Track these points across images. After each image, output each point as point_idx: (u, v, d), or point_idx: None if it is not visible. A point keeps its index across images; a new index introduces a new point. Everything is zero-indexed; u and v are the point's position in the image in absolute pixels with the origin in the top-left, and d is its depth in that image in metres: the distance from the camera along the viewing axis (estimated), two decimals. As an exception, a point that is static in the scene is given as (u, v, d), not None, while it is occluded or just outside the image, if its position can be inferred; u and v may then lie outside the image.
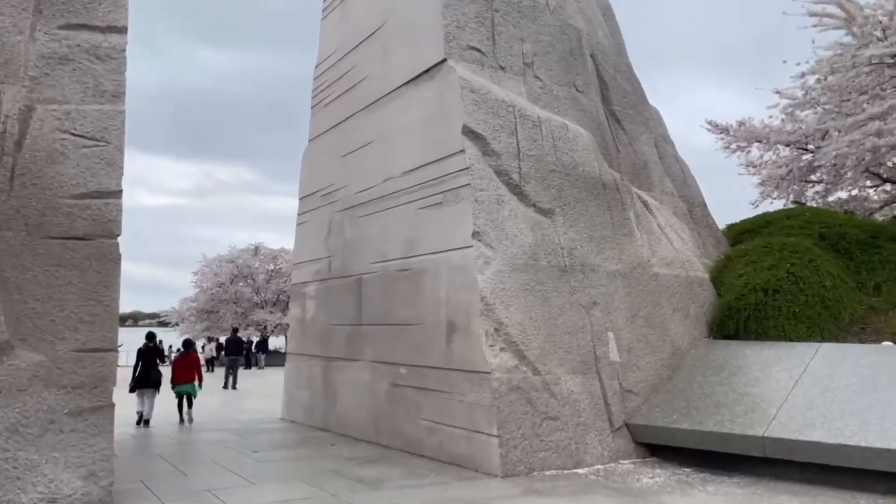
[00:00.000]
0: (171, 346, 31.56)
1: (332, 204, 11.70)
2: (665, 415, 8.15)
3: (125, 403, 15.29)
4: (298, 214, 13.08)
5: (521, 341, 7.98)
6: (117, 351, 5.99)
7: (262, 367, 33.24)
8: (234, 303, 38.95)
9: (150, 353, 12.30)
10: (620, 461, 8.08)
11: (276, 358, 37.50)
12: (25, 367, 5.53)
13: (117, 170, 6.34)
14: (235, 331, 28.11)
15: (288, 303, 41.26)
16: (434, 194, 8.92)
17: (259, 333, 39.48)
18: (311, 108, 13.02)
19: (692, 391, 8.37)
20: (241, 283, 39.34)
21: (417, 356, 8.97)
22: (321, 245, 11.96)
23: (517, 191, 8.69)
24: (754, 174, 18.91)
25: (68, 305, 5.85)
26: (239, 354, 23.95)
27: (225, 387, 21.37)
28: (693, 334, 9.53)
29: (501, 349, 7.87)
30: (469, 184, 8.29)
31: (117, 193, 6.30)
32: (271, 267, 42.00)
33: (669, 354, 9.14)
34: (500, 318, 7.93)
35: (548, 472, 7.52)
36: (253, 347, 34.66)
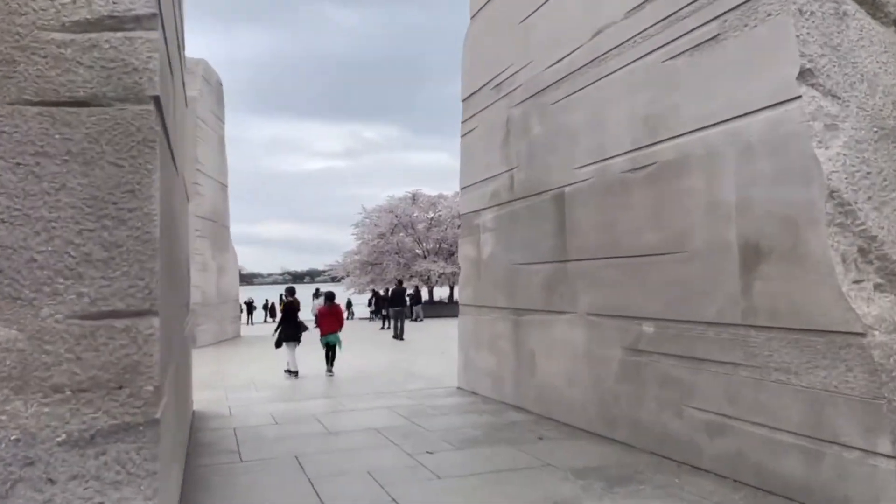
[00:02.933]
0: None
1: (510, 95, 8.29)
2: None
3: (272, 360, 13.32)
4: (462, 123, 9.84)
5: (916, 271, 4.13)
6: (158, 315, 3.07)
7: (421, 320, 31.19)
8: (397, 253, 37.41)
9: (290, 307, 12.46)
10: None
11: (437, 309, 35.60)
12: (-26, 354, 2.77)
13: (145, -24, 3.33)
14: (399, 282, 26.15)
15: (451, 252, 39.45)
16: (698, 26, 5.17)
17: (423, 284, 37.75)
18: (471, -28, 9.59)
19: None
20: (401, 234, 37.65)
21: (676, 305, 5.43)
22: (497, 156, 8.65)
23: (869, -7, 4.68)
24: None
25: (62, 230, 3.00)
26: (403, 305, 23.30)
27: (395, 337, 21.33)
28: None
29: (878, 287, 4.09)
30: (783, -19, 4.44)
31: (148, 19, 3.30)
32: (431, 215, 39.94)
33: None
34: (869, 228, 4.12)
35: None
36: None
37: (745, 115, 4.73)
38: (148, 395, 2.94)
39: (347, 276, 39.44)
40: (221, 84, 24.05)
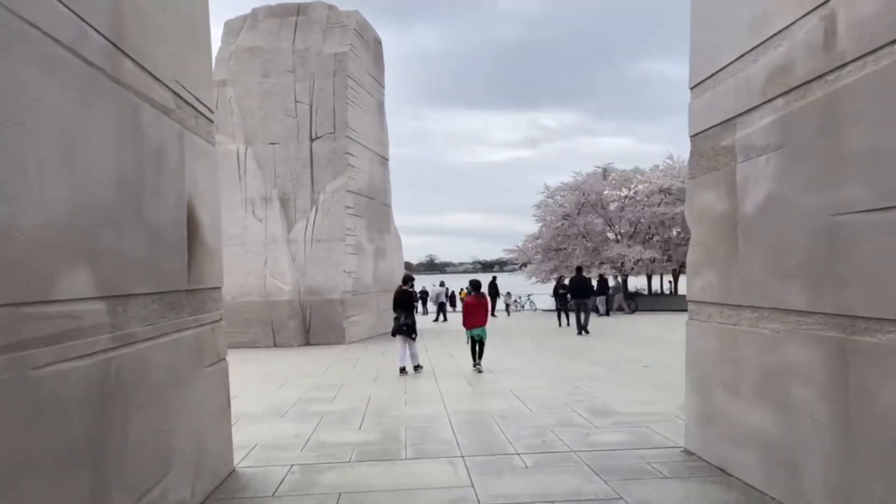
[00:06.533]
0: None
1: None
2: None
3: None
4: (695, -34, 5.29)
5: None
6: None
7: (607, 314, 26.24)
8: (584, 237, 32.61)
9: (402, 297, 11.13)
10: None
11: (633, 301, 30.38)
12: None
13: None
14: (580, 270, 21.63)
15: (648, 234, 33.59)
16: None
17: (617, 272, 32.57)
18: None
19: None
20: (589, 214, 32.74)
21: None
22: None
23: None
24: None
25: None
26: (586, 297, 19.36)
27: (579, 332, 18.27)
28: None
29: None
30: None
31: None
32: (624, 193, 34.51)
33: None
34: None
35: None
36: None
37: None
38: None
39: (528, 263, 35.32)
40: (381, 43, 21.20)
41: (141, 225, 3.58)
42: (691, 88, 5.40)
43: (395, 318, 11.15)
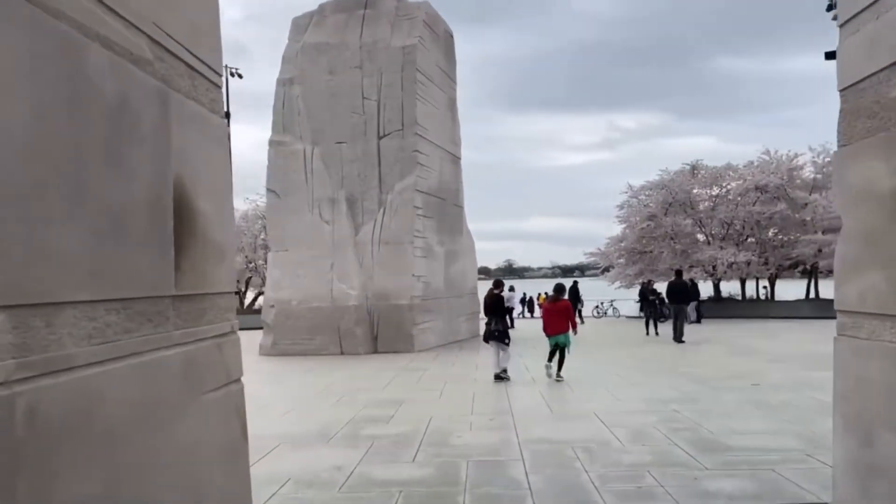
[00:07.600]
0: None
1: None
2: None
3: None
4: None
5: None
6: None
7: (698, 321, 23.98)
8: (671, 238, 30.45)
9: (493, 301, 10.80)
10: None
11: (727, 307, 28.05)
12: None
13: None
14: (679, 274, 19.78)
15: (742, 236, 31.03)
16: None
17: (708, 276, 30.23)
18: None
19: None
20: (677, 214, 30.54)
21: None
22: None
23: None
24: None
25: None
26: (685, 302, 18.14)
27: (675, 339, 17.09)
28: None
29: None
30: None
31: None
32: (715, 192, 32.08)
33: None
34: None
35: None
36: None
37: None
38: None
39: (610, 267, 33.34)
40: (452, 36, 20.24)
41: (82, 207, 2.62)
42: (841, 26, 4.02)
43: (485, 324, 11.00)
